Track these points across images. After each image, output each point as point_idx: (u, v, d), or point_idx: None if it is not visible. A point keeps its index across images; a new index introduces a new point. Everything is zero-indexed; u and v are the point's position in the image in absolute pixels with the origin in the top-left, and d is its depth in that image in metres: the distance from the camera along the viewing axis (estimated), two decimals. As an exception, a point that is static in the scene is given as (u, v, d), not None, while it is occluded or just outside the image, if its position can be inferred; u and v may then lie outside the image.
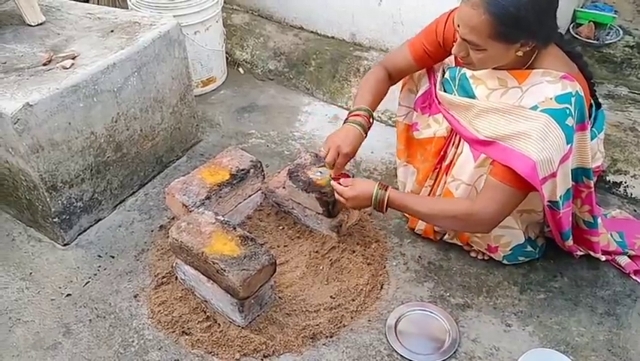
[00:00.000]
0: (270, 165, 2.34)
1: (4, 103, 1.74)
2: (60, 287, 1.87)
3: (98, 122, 1.98)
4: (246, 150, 2.13)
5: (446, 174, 1.81)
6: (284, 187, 2.01)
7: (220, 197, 1.91)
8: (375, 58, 2.70)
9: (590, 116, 1.63)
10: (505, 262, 1.88)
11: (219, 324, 1.71)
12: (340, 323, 1.72)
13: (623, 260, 1.88)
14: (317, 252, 1.92)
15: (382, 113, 2.56)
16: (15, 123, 1.72)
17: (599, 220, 1.80)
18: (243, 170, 1.98)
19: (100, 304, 1.81)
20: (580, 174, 1.65)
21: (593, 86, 1.66)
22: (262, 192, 2.10)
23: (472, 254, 1.93)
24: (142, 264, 1.94)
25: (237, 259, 1.61)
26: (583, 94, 1.50)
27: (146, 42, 2.07)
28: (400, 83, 1.95)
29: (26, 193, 1.94)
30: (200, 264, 1.67)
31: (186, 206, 1.85)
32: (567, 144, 1.48)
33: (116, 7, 2.76)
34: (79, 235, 2.05)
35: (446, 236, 1.95)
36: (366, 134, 1.78)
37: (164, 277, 1.85)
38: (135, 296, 1.83)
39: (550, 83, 1.49)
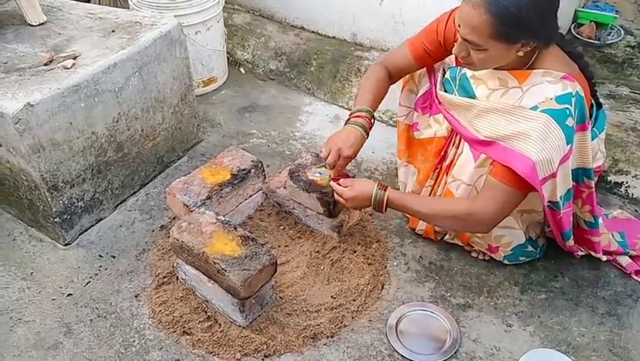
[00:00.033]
0: (270, 165, 2.34)
1: (5, 103, 1.74)
2: (61, 287, 1.87)
3: (99, 122, 1.98)
4: (246, 149, 2.13)
5: (447, 175, 1.81)
6: (285, 187, 2.01)
7: (221, 197, 1.91)
8: (376, 58, 2.70)
9: (590, 116, 1.63)
10: (506, 262, 1.88)
11: (220, 324, 1.71)
12: (341, 323, 1.72)
13: (624, 260, 1.88)
14: (318, 252, 1.92)
15: (383, 113, 2.56)
16: (16, 123, 1.72)
17: (600, 220, 1.80)
18: (243, 170, 1.98)
19: (101, 304, 1.81)
20: (580, 174, 1.65)
21: (593, 87, 1.66)
22: (263, 192, 2.10)
23: (473, 254, 1.93)
24: (143, 264, 1.94)
25: (238, 259, 1.61)
26: (583, 94, 1.50)
27: (147, 42, 2.07)
28: (400, 83, 1.95)
29: (27, 193, 1.95)
30: (201, 264, 1.67)
31: (187, 206, 1.85)
32: (567, 144, 1.48)
33: (117, 7, 2.76)
34: (80, 234, 2.05)
35: (447, 236, 1.95)
36: (368, 135, 1.78)
37: (165, 277, 1.85)
38: (136, 296, 1.83)
39: (551, 84, 1.49)
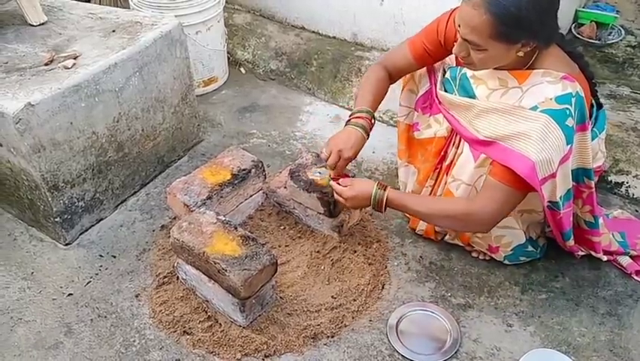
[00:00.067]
0: (271, 164, 2.34)
1: (5, 103, 1.74)
2: (61, 287, 1.87)
3: (100, 122, 1.98)
4: (247, 149, 2.13)
5: (447, 175, 1.81)
6: (285, 187, 2.01)
7: (221, 197, 1.91)
8: (376, 58, 2.70)
9: (590, 116, 1.62)
10: (506, 262, 1.88)
11: (220, 324, 1.71)
12: (341, 323, 1.72)
13: (625, 260, 1.88)
14: (318, 252, 1.92)
15: (384, 113, 2.56)
16: (17, 123, 1.72)
17: (601, 220, 1.79)
18: (244, 170, 1.98)
19: (101, 303, 1.81)
20: (581, 174, 1.65)
21: (594, 87, 1.65)
22: (263, 192, 2.10)
23: (474, 254, 1.93)
24: (143, 264, 1.94)
25: (239, 259, 1.61)
26: (583, 94, 1.50)
27: (148, 42, 2.07)
28: (401, 83, 1.95)
29: (28, 193, 1.95)
30: (201, 264, 1.67)
31: (188, 206, 1.85)
32: (567, 144, 1.48)
33: (117, 6, 2.76)
34: (80, 234, 2.05)
35: (447, 237, 1.95)
36: (368, 136, 1.78)
37: (165, 276, 1.86)
38: (136, 296, 1.83)
39: (551, 84, 1.49)
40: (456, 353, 1.65)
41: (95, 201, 2.07)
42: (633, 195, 2.14)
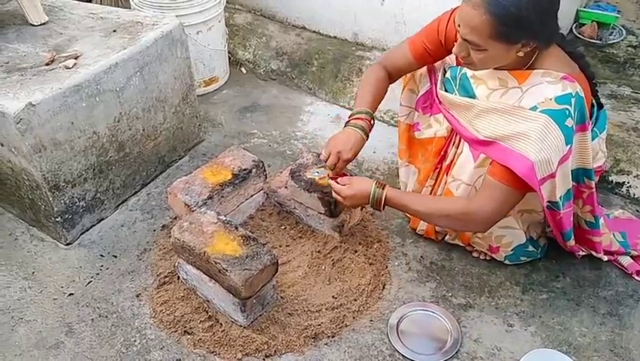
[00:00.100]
0: (272, 164, 2.35)
1: (6, 103, 1.74)
2: (62, 287, 1.87)
3: (101, 122, 1.98)
4: (248, 149, 2.13)
5: (447, 174, 1.81)
6: (286, 187, 2.01)
7: (222, 197, 1.92)
8: (377, 58, 2.69)
9: (591, 116, 1.62)
10: (507, 262, 1.88)
11: (221, 324, 1.71)
12: (342, 322, 1.73)
13: (626, 260, 1.88)
14: (319, 252, 1.92)
15: (384, 113, 2.56)
16: (18, 123, 1.72)
17: (601, 220, 1.79)
18: (245, 170, 1.98)
19: (102, 303, 1.82)
20: (581, 174, 1.64)
21: (594, 87, 1.65)
22: (264, 192, 2.10)
23: (474, 254, 1.93)
24: (144, 263, 1.94)
25: (239, 259, 1.61)
26: (583, 95, 1.50)
27: (149, 42, 2.07)
28: (401, 83, 1.95)
29: (29, 193, 1.95)
30: (202, 264, 1.67)
31: (188, 206, 1.85)
32: (566, 144, 1.48)
33: (118, 6, 2.76)
34: (81, 234, 2.06)
35: (448, 237, 1.95)
36: (368, 137, 1.78)
37: (166, 276, 1.86)
38: (137, 296, 1.83)
39: (551, 84, 1.49)
40: (457, 353, 1.65)
41: (95, 201, 2.07)
42: (634, 195, 2.14)
